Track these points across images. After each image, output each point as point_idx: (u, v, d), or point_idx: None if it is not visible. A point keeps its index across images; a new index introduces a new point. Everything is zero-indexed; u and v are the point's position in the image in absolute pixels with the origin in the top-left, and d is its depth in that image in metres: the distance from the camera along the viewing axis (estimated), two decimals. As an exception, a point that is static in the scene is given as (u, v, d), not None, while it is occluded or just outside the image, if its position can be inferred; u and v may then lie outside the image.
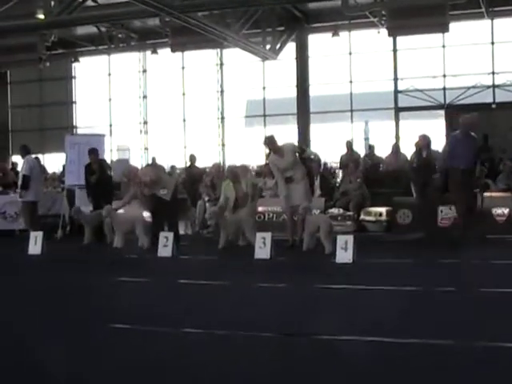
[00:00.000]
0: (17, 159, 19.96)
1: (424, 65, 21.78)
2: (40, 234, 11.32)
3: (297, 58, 22.82)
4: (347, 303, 6.53)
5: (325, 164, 17.40)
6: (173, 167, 18.77)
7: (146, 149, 25.79)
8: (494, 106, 20.83)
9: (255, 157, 21.55)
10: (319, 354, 4.68)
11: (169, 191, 11.58)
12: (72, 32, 22.98)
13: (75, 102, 26.77)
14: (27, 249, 11.17)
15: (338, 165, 17.20)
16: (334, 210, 13.56)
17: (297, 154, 11.41)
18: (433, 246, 10.81)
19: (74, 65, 26.14)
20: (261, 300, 6.83)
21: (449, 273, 8.28)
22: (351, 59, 22.58)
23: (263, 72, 23.71)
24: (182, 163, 22.01)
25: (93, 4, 19.61)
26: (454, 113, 19.16)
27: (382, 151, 17.19)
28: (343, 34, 21.96)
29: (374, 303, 6.43)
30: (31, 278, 8.80)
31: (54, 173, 19.08)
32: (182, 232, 12.87)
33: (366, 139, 22.61)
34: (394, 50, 22.02)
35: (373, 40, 21.06)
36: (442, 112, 21.50)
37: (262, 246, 9.75)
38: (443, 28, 17.18)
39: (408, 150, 14.72)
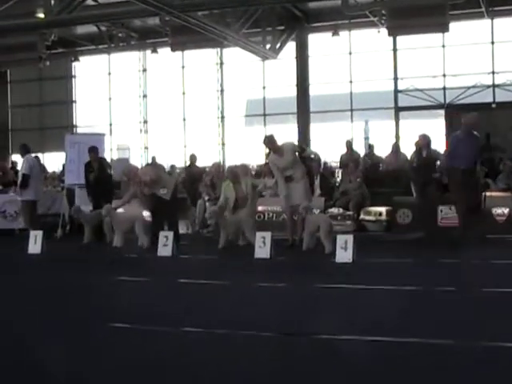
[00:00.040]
0: (17, 158, 19.95)
1: (424, 64, 21.77)
2: (40, 233, 11.32)
3: (297, 58, 22.81)
4: (347, 303, 6.53)
5: (325, 163, 17.40)
6: (172, 166, 18.76)
7: (146, 148, 25.78)
8: (493, 105, 20.82)
9: (255, 156, 21.55)
10: (319, 354, 4.68)
11: (169, 191, 11.58)
12: (72, 31, 22.97)
13: (75, 101, 26.75)
14: (27, 248, 11.17)
15: (338, 164, 17.20)
16: (334, 210, 13.56)
17: (296, 154, 11.41)
18: (433, 246, 10.81)
19: (74, 64, 26.12)
20: (261, 299, 6.82)
21: (449, 272, 8.28)
22: (351, 59, 22.56)
23: (263, 71, 23.70)
24: (181, 162, 22.02)
25: (93, 3, 19.62)
26: (454, 112, 19.19)
27: (382, 151, 17.20)
28: (343, 34, 21.96)
29: (374, 303, 6.43)
30: (31, 277, 8.80)
31: (54, 172, 19.07)
32: (181, 231, 12.87)
33: (366, 139, 22.60)
34: (394, 50, 22.01)
35: (373, 39, 21.05)
36: (442, 112, 21.48)
37: (262, 246, 9.75)
38: (443, 28, 17.18)
39: (408, 149, 14.74)
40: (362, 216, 13.60)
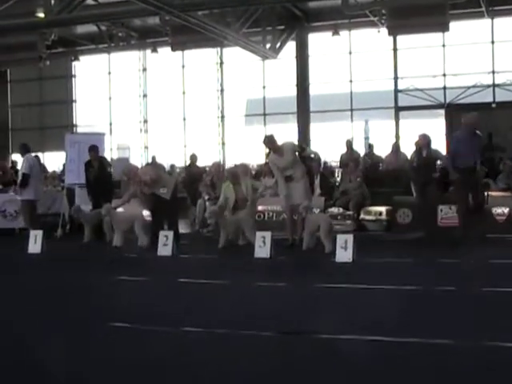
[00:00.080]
0: (17, 158, 19.95)
1: (424, 64, 21.76)
2: (40, 232, 11.32)
3: (297, 57, 22.80)
4: (347, 302, 6.53)
5: (325, 163, 17.39)
6: (172, 166, 18.74)
7: (146, 147, 25.78)
8: (494, 105, 20.81)
9: (255, 156, 21.55)
10: (319, 353, 4.68)
11: (169, 190, 11.59)
12: (72, 31, 22.96)
13: (75, 101, 26.74)
14: (27, 247, 11.17)
15: (338, 164, 17.19)
16: (334, 209, 13.56)
17: (296, 153, 11.41)
18: (433, 246, 10.81)
19: (74, 63, 26.12)
20: (260, 299, 6.83)
21: (449, 272, 8.28)
22: (351, 58, 22.55)
23: (263, 71, 23.69)
24: (181, 162, 22.02)
25: (93, 3, 19.61)
26: (454, 112, 19.19)
27: (382, 150, 17.19)
28: (343, 33, 21.95)
29: (374, 302, 6.43)
30: (31, 277, 8.81)
31: (54, 171, 19.06)
32: (181, 231, 12.87)
33: (366, 138, 22.59)
34: (394, 49, 22.00)
35: (373, 39, 21.01)
36: (442, 111, 21.47)
37: (262, 245, 9.75)
38: (443, 27, 17.17)
39: (408, 149, 14.72)
40: (362, 216, 13.60)
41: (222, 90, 24.48)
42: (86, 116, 26.41)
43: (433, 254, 9.80)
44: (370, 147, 18.48)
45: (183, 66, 24.76)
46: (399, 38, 21.08)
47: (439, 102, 21.50)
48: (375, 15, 18.34)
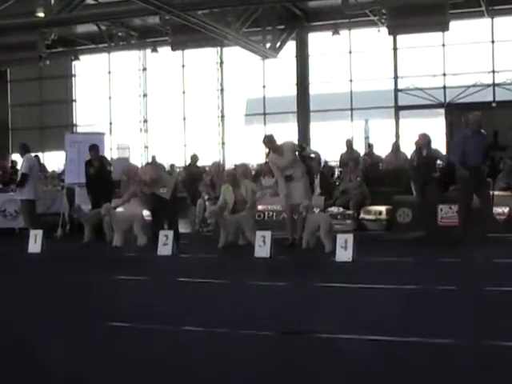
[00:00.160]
0: (16, 157, 19.95)
1: (424, 63, 21.76)
2: (40, 232, 11.31)
3: (297, 57, 22.81)
4: (347, 302, 6.52)
5: (325, 162, 17.38)
6: (172, 166, 18.72)
7: (146, 147, 25.78)
8: (494, 104, 20.81)
9: (255, 155, 21.54)
10: (319, 353, 4.68)
11: (168, 190, 11.58)
12: (72, 30, 22.97)
13: (75, 101, 26.75)
14: (27, 247, 11.17)
15: (338, 163, 17.18)
16: (334, 209, 13.55)
17: (296, 153, 11.40)
18: (433, 245, 10.81)
19: (74, 63, 26.10)
20: (260, 298, 6.82)
21: (449, 271, 8.28)
22: (351, 58, 22.55)
23: (263, 70, 23.69)
24: (181, 162, 22.01)
25: (93, 2, 19.60)
26: (454, 111, 19.18)
27: (382, 150, 17.18)
28: (343, 33, 21.94)
29: (374, 302, 6.43)
30: (31, 277, 8.80)
31: (54, 171, 19.06)
32: (181, 230, 12.87)
33: (366, 138, 22.59)
34: (394, 49, 22.00)
35: (373, 38, 21.05)
36: (442, 111, 21.47)
37: (262, 245, 9.74)
38: (443, 27, 17.17)
39: (408, 148, 14.71)
40: (362, 215, 13.59)
41: (222, 90, 24.48)
42: (86, 116, 26.41)
43: (433, 253, 9.79)
44: (369, 147, 18.47)
45: (183, 66, 24.76)
46: (399, 37, 21.07)
47: (439, 102, 21.51)
48: (375, 15, 18.35)
